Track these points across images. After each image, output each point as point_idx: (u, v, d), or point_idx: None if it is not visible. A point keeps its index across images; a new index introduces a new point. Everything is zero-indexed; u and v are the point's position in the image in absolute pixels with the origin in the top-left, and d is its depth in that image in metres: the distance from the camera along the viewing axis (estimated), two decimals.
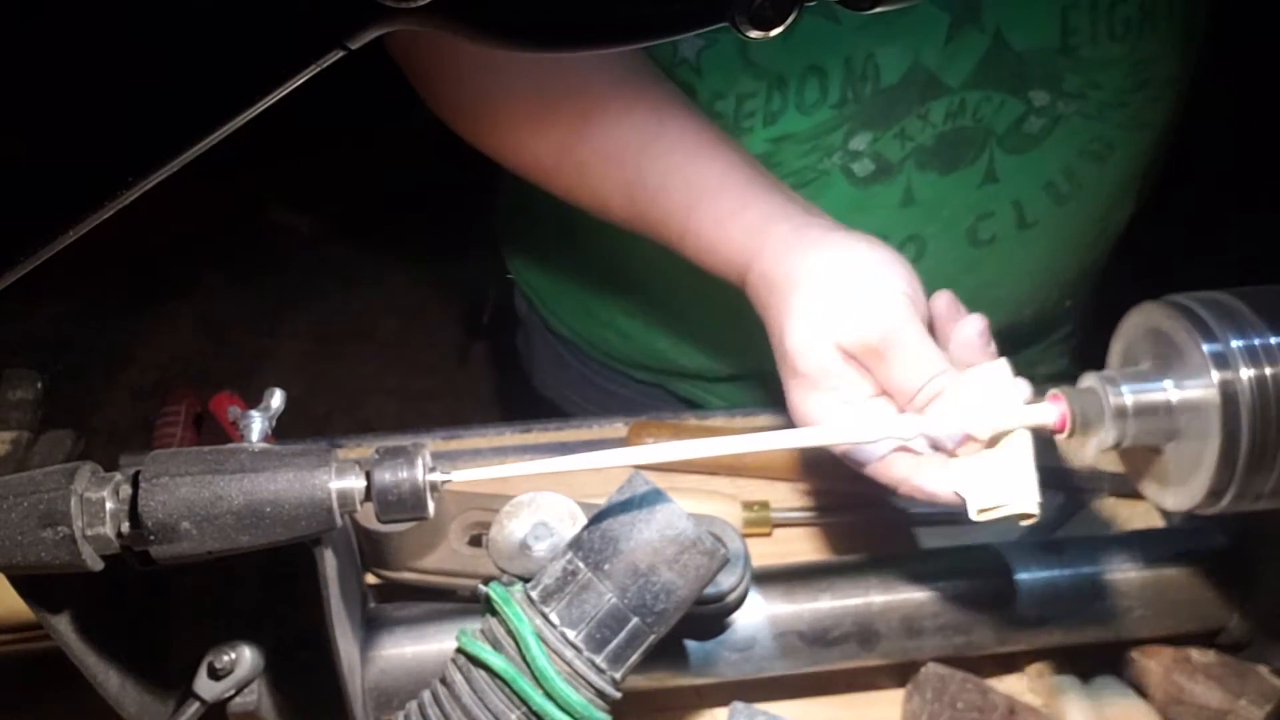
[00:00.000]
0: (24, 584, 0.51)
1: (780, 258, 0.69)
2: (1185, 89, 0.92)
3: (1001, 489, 0.60)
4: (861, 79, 0.80)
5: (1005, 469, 0.60)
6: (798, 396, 0.67)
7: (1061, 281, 0.98)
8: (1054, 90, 0.83)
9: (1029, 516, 0.59)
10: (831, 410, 0.65)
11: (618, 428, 0.94)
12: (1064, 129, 0.85)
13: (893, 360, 0.63)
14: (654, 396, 1.08)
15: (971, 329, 0.65)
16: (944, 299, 0.68)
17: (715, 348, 1.01)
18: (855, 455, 0.65)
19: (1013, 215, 0.88)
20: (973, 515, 0.60)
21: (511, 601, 0.54)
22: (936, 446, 0.64)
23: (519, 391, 1.22)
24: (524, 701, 0.52)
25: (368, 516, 0.56)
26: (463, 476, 0.51)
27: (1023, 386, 0.63)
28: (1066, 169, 0.88)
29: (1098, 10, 0.80)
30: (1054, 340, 1.08)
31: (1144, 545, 0.70)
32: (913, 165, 0.84)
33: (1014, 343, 0.94)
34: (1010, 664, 0.73)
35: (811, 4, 0.52)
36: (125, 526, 0.47)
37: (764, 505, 0.83)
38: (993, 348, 0.65)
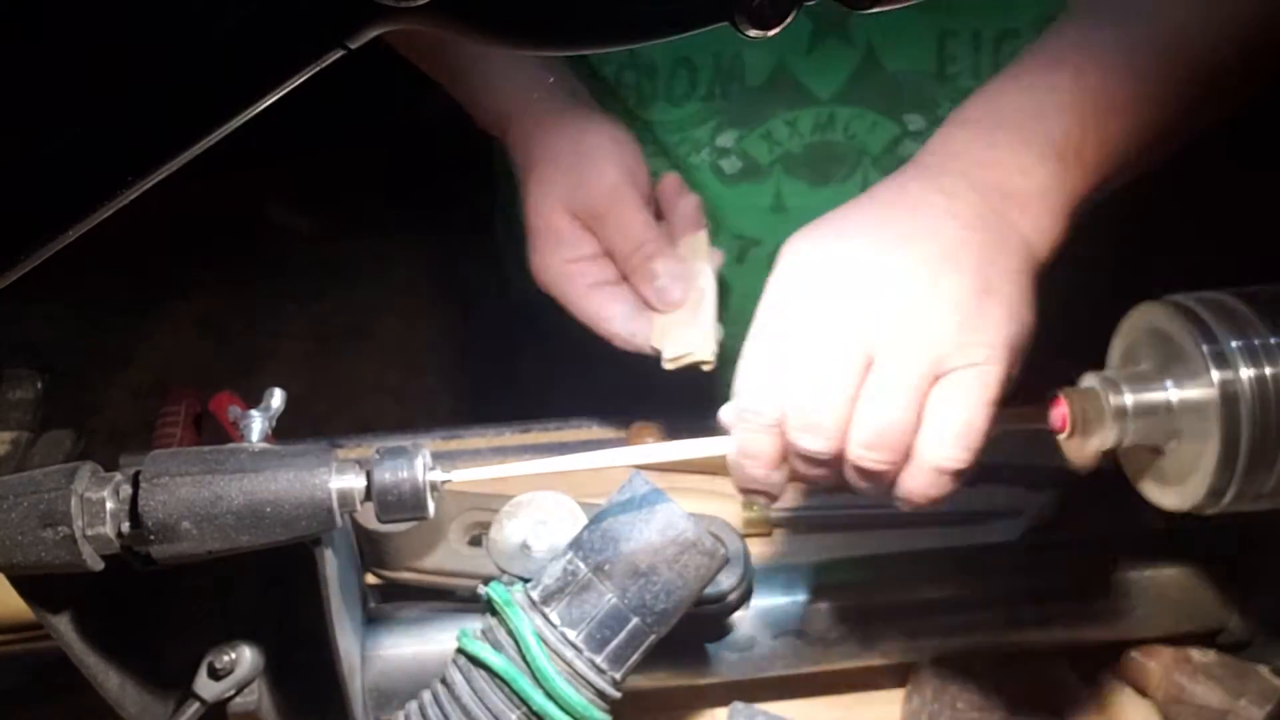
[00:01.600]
0: (25, 584, 0.51)
1: (531, 128, 0.80)
2: None
3: (688, 340, 0.72)
4: (729, 76, 0.82)
5: (691, 323, 0.72)
6: (533, 251, 0.77)
7: None
8: (930, 116, 0.82)
9: (706, 363, 0.71)
10: (563, 266, 0.76)
11: (618, 428, 0.94)
12: None
13: (610, 225, 0.75)
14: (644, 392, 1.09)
15: (688, 205, 0.79)
16: (672, 180, 0.80)
17: None
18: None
19: None
20: (665, 365, 0.72)
21: (512, 602, 0.54)
22: (651, 306, 0.74)
23: (519, 390, 1.22)
24: (524, 702, 0.52)
25: (368, 516, 0.56)
26: (463, 476, 0.51)
27: (717, 255, 0.77)
28: None
29: (980, 42, 0.78)
30: None
31: (1144, 545, 0.70)
32: (781, 171, 0.85)
33: None
34: (1010, 664, 0.73)
35: (811, 3, 0.52)
36: (125, 526, 0.47)
37: (764, 505, 0.83)
38: (704, 221, 0.78)
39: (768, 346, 0.55)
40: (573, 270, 0.76)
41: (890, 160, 0.84)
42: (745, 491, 0.56)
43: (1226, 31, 0.63)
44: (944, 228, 0.55)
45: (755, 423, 0.54)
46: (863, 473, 0.53)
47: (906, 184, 0.58)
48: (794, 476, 0.56)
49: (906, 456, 0.53)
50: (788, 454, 0.54)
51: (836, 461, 0.53)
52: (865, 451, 0.52)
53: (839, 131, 0.83)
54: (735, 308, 0.89)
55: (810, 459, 0.53)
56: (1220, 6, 0.63)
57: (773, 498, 0.57)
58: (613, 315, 0.75)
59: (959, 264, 0.54)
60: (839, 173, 0.84)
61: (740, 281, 0.86)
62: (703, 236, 0.78)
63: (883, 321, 0.52)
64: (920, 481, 0.53)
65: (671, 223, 0.79)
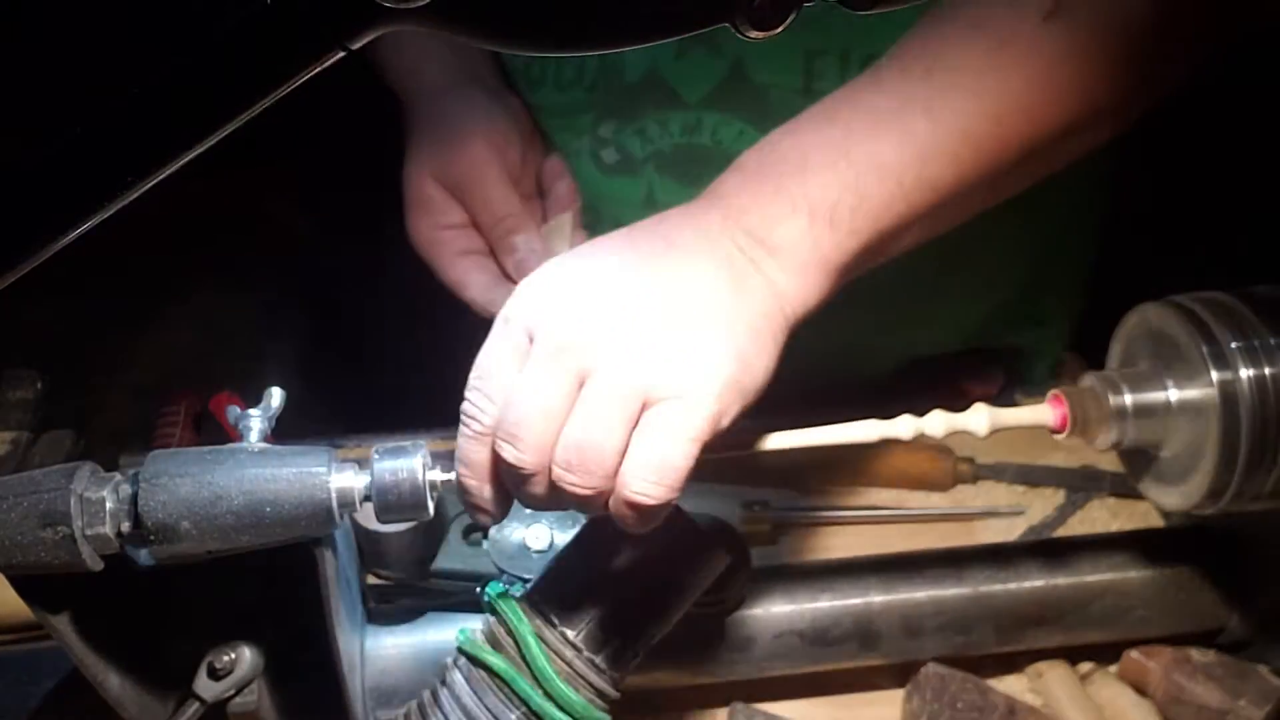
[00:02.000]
0: (24, 584, 0.51)
1: (418, 100, 0.86)
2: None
3: None
4: (611, 70, 0.84)
5: None
6: (407, 215, 0.83)
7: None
8: None
9: None
10: (432, 232, 0.82)
11: None
12: None
13: (474, 197, 0.80)
14: None
15: (562, 187, 0.85)
16: (555, 163, 0.86)
17: None
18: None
19: None
20: None
21: (511, 601, 0.54)
22: (510, 279, 0.78)
23: None
24: (524, 701, 0.52)
25: (367, 516, 0.56)
26: None
27: (580, 236, 0.81)
28: None
29: (848, 63, 0.78)
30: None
31: (1144, 545, 0.70)
32: (653, 168, 0.86)
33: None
34: (1010, 664, 0.73)
35: (811, 4, 0.52)
36: (125, 526, 0.47)
37: (764, 505, 0.83)
38: (576, 204, 0.83)
39: (492, 352, 0.53)
40: (441, 237, 0.82)
41: None
42: (467, 506, 0.53)
43: (1011, 101, 0.59)
44: (689, 261, 0.53)
45: (469, 429, 0.51)
46: (566, 494, 0.50)
47: (668, 218, 0.57)
48: (510, 491, 0.53)
49: (612, 481, 0.50)
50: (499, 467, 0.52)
51: (543, 479, 0.50)
52: (563, 471, 0.49)
53: (706, 136, 0.84)
54: None
55: (514, 472, 0.50)
56: (1007, 78, 0.59)
57: (492, 516, 0.54)
58: (472, 283, 0.79)
59: (693, 297, 0.52)
60: (706, 175, 0.84)
61: None
62: (567, 218, 0.83)
63: (600, 339, 0.50)
64: (618, 509, 0.50)
65: (546, 203, 0.85)
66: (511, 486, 0.51)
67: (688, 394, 0.49)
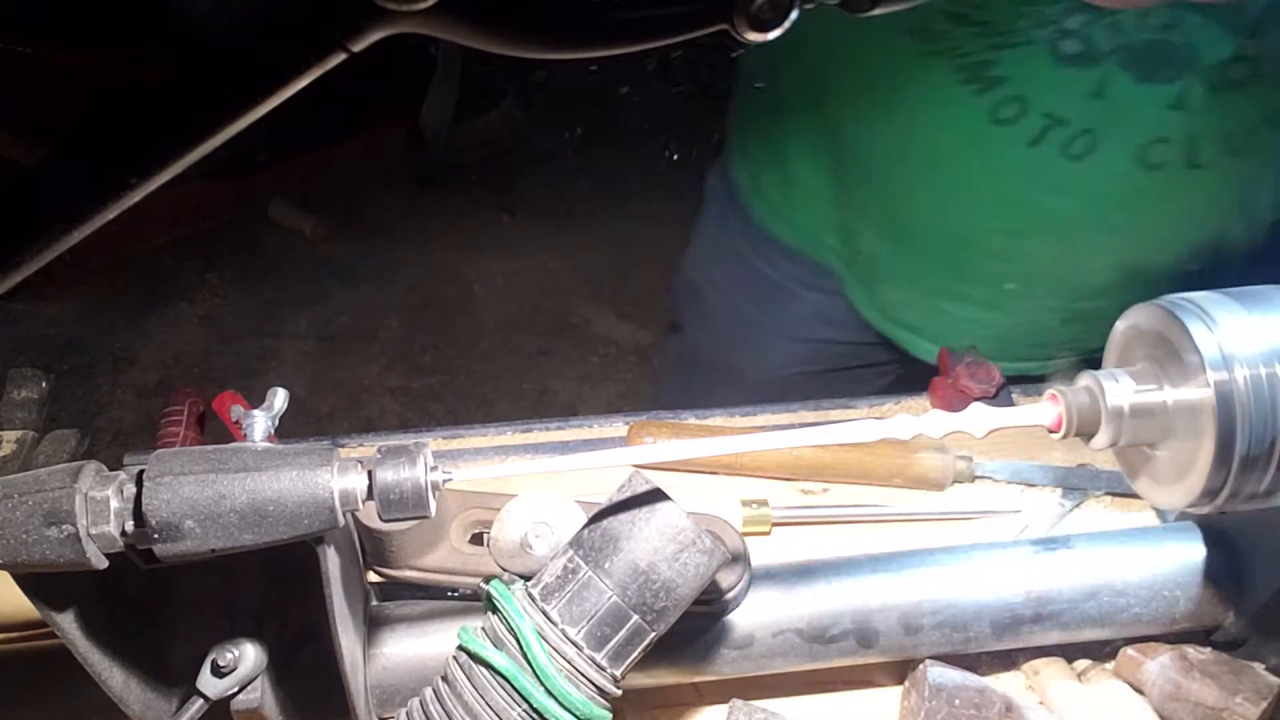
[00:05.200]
0: (29, 582, 0.51)
1: None
2: None
3: None
4: None
5: None
6: None
7: (1206, 243, 0.96)
8: (1267, 47, 0.83)
9: None
10: None
11: (618, 427, 0.95)
12: (1262, 88, 0.85)
13: None
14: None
15: None
16: None
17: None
18: None
19: (1184, 150, 0.88)
20: None
21: (512, 599, 0.55)
22: None
23: (521, 389, 1.23)
24: (525, 699, 0.52)
25: (370, 515, 0.56)
26: (464, 475, 0.52)
27: None
28: (1250, 128, 0.87)
29: None
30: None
31: (1140, 543, 0.70)
32: (1115, 61, 0.85)
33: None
34: (1008, 661, 0.73)
35: (810, 5, 0.52)
36: (129, 525, 0.48)
37: (763, 504, 0.83)
38: None
39: None
40: None
41: (1216, 76, 0.85)
42: None
43: None
44: None
45: None
46: None
47: None
48: None
49: None
50: None
51: None
52: None
53: (1180, 35, 0.83)
54: (1014, 187, 0.91)
55: None
56: None
57: None
58: None
59: None
60: (1164, 74, 0.85)
61: (1030, 162, 0.88)
62: None
63: None
64: None
65: None
66: None
67: None
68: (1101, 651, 0.73)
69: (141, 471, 0.48)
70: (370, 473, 0.49)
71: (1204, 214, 0.94)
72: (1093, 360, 1.04)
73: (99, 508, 0.48)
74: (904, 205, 0.99)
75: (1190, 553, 0.69)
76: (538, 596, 0.55)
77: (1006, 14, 0.86)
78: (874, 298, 1.09)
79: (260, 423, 0.53)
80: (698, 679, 0.69)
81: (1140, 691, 0.70)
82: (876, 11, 0.60)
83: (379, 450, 0.50)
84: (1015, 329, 1.03)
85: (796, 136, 1.07)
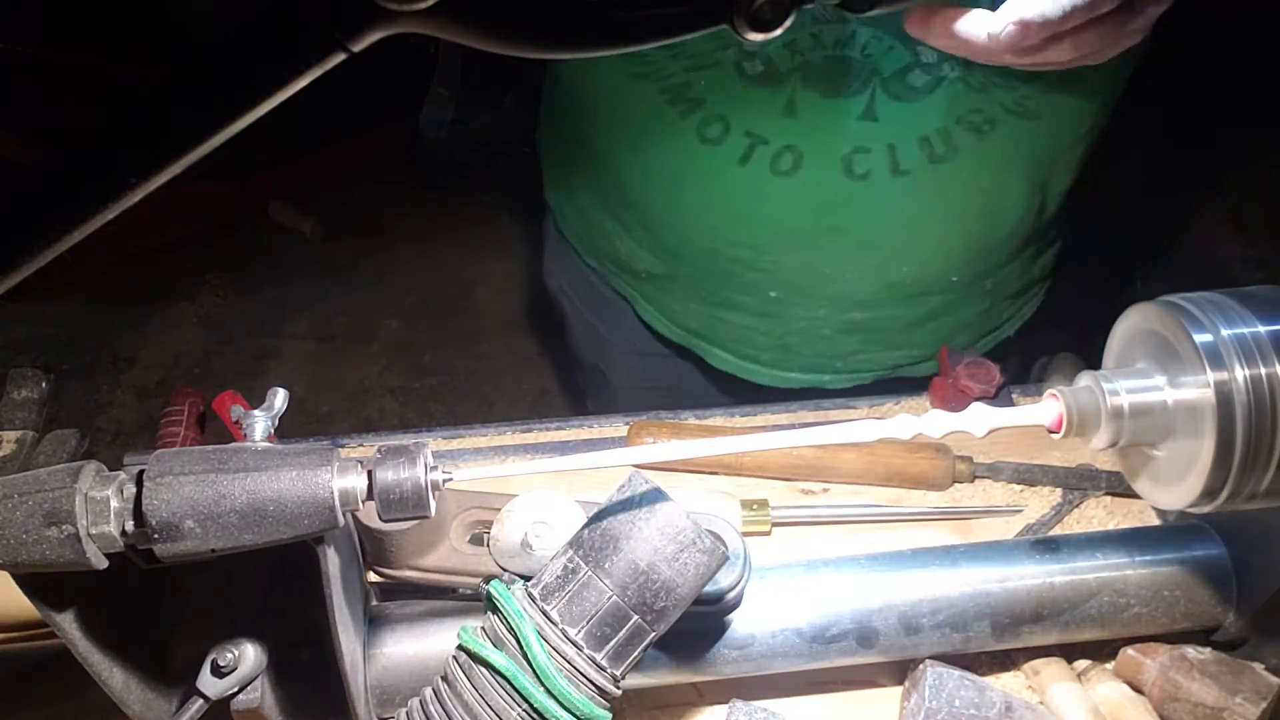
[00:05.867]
0: (29, 582, 0.51)
1: None
2: (1113, 96, 0.93)
3: None
4: None
5: None
6: None
7: (946, 250, 0.98)
8: (943, 53, 0.83)
9: None
10: None
11: (618, 427, 0.95)
12: (946, 91, 0.88)
13: None
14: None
15: None
16: None
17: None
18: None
19: (887, 158, 0.90)
20: None
21: (512, 599, 0.55)
22: None
23: (521, 390, 1.24)
24: (525, 699, 0.52)
25: (370, 515, 0.56)
26: (464, 475, 0.52)
27: None
28: (943, 130, 0.89)
29: None
30: (960, 318, 1.07)
31: (1140, 544, 0.70)
32: (799, 80, 0.88)
33: (895, 303, 0.99)
34: (1007, 661, 0.73)
35: (810, 5, 0.53)
36: (129, 525, 0.48)
37: (763, 504, 0.83)
38: None
39: None
40: None
41: (898, 85, 0.88)
42: None
43: None
44: None
45: None
46: None
47: None
48: None
49: None
50: None
51: None
52: None
53: (857, 50, 0.86)
54: (738, 203, 0.93)
55: None
56: None
57: None
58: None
59: None
60: (850, 88, 0.88)
61: (744, 179, 0.90)
62: None
63: None
64: None
65: None
66: None
67: None
68: (1101, 651, 0.73)
69: (141, 471, 0.48)
70: (370, 473, 0.49)
71: (927, 221, 0.95)
72: (894, 377, 1.06)
73: (99, 508, 0.48)
74: (660, 224, 1.01)
75: (1190, 553, 0.69)
76: (538, 596, 0.55)
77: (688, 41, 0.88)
78: (664, 311, 1.11)
79: (260, 423, 0.53)
80: (698, 679, 0.69)
81: (1140, 691, 0.70)
82: (875, 11, 0.60)
83: (379, 450, 0.50)
84: (792, 337, 1.04)
85: (579, 164, 1.09)
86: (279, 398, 0.54)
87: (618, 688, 0.55)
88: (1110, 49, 0.69)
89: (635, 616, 0.54)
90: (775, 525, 0.84)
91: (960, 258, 1.00)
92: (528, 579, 0.57)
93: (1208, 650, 0.69)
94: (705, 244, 0.99)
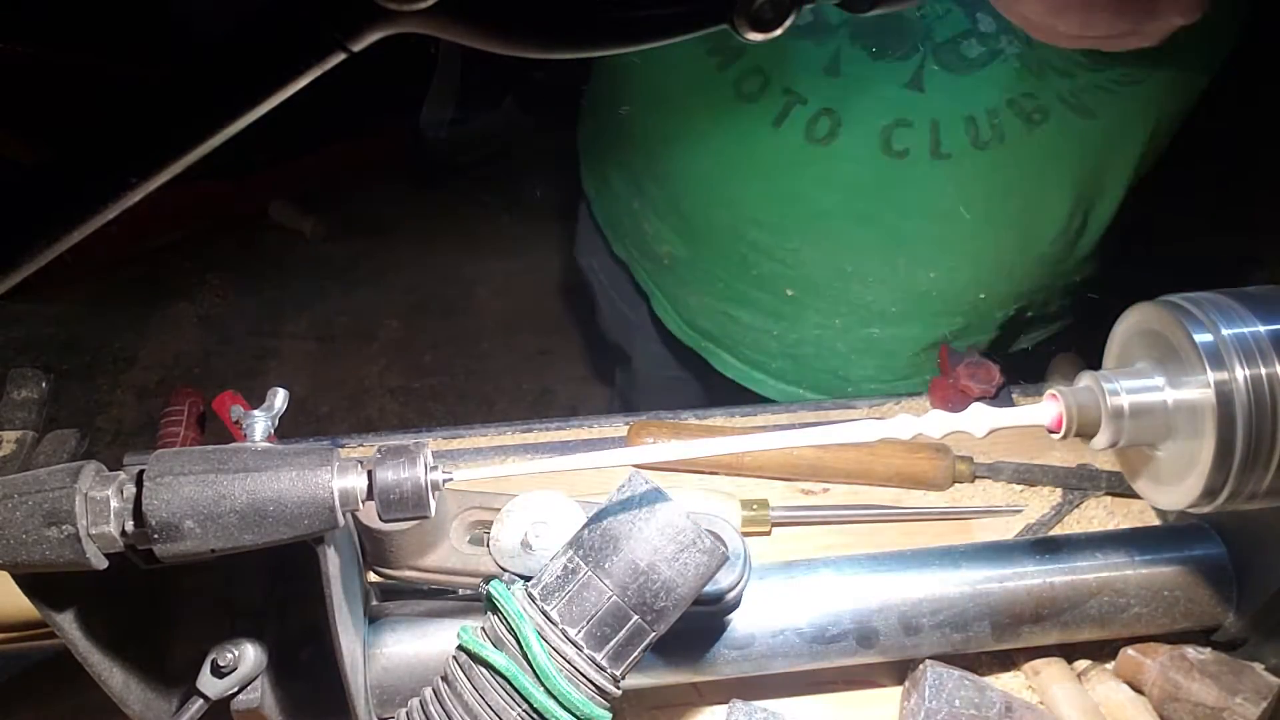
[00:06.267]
0: (29, 582, 0.51)
1: None
2: (1170, 123, 0.90)
3: None
4: None
5: None
6: None
7: (975, 257, 0.95)
8: (1002, 22, 0.81)
9: None
10: None
11: (618, 427, 0.95)
12: (1000, 68, 0.84)
13: None
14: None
15: None
16: None
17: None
18: None
19: (929, 136, 0.86)
20: None
21: (512, 599, 0.55)
22: None
23: (524, 388, 1.25)
24: (525, 699, 0.52)
25: (370, 515, 0.56)
26: (464, 475, 0.52)
27: None
28: (992, 112, 0.85)
29: None
30: (996, 327, 1.04)
31: (1140, 544, 0.70)
32: (847, 35, 0.84)
33: (939, 312, 0.96)
34: (1007, 661, 0.73)
35: (811, 4, 0.53)
36: (129, 525, 0.48)
37: (763, 504, 0.83)
38: None
39: None
40: None
41: (950, 54, 0.84)
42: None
43: None
44: None
45: None
46: None
47: None
48: None
49: None
50: None
51: None
52: None
53: (913, 8, 0.83)
54: (767, 173, 0.91)
55: None
56: None
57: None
58: None
59: None
60: (898, 48, 0.84)
61: (777, 144, 0.88)
62: None
63: None
64: None
65: None
66: None
67: None
68: (1101, 651, 0.73)
69: (141, 471, 0.48)
70: (370, 473, 0.49)
71: (961, 218, 0.91)
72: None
73: (99, 508, 0.48)
74: (686, 194, 0.99)
75: (1190, 553, 0.69)
76: (538, 596, 0.55)
77: None
78: (678, 307, 1.10)
79: (260, 423, 0.53)
80: (698, 679, 0.69)
81: (1140, 691, 0.70)
82: (876, 11, 0.60)
83: (379, 450, 0.50)
84: (805, 347, 1.02)
85: (616, 146, 1.09)
86: (279, 398, 0.54)
87: (618, 688, 0.55)
88: (1120, 40, 0.66)
89: (635, 616, 0.54)
90: (775, 525, 0.84)
91: (989, 269, 0.97)
92: (528, 579, 0.57)
93: (1208, 650, 0.69)
94: (727, 220, 0.97)
